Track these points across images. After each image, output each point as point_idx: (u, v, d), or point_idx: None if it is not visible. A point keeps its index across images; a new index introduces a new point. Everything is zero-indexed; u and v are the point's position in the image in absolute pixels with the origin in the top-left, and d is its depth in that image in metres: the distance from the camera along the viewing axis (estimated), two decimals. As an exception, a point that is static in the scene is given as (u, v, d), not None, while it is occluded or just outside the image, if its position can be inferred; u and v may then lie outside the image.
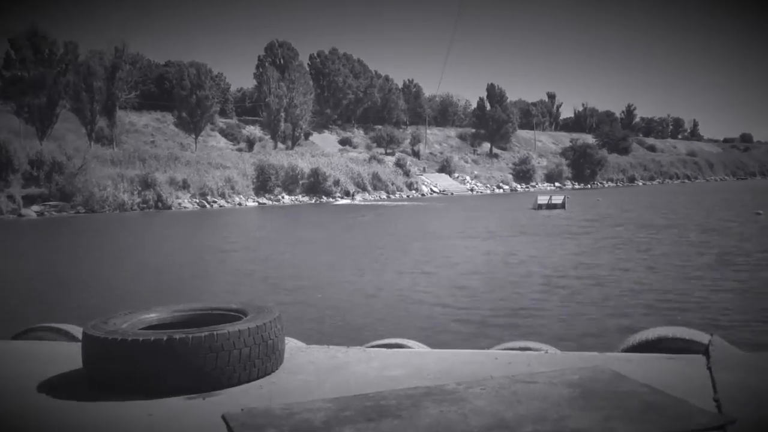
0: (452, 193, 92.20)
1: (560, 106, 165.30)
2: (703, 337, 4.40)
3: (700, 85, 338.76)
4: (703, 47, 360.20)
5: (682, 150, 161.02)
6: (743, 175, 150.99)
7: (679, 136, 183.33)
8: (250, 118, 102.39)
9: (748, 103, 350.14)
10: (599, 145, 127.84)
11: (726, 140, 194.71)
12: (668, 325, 5.05)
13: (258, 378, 4.02)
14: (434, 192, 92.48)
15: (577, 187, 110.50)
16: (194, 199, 65.33)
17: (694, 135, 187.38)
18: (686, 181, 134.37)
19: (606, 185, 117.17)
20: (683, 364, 3.97)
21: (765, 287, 14.10)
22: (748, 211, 36.86)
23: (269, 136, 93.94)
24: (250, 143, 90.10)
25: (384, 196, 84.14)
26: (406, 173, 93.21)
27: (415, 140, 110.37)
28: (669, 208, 46.33)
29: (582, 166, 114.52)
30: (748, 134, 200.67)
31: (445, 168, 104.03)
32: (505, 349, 4.79)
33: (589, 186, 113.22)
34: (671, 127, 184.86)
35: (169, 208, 60.65)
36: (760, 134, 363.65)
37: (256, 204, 70.22)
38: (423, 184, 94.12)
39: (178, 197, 63.59)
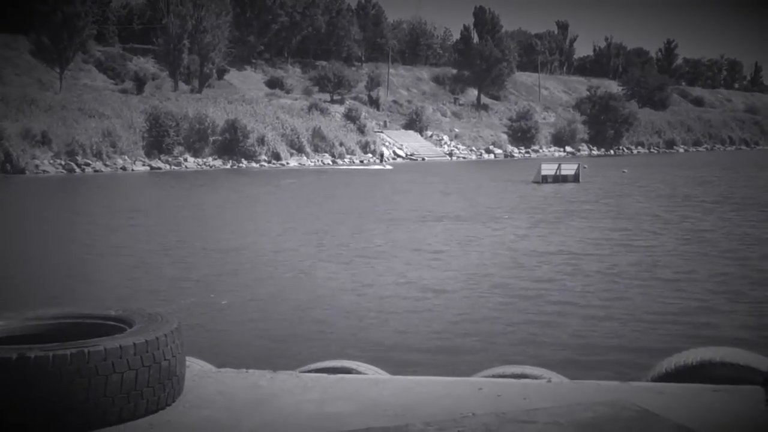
0: (424, 158, 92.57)
1: (575, 40, 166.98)
2: (761, 363, 4.48)
3: (765, 16, 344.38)
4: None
5: (740, 105, 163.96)
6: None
7: (736, 86, 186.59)
8: (139, 46, 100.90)
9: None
10: (627, 96, 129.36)
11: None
12: (715, 345, 5.15)
13: (147, 414, 3.98)
14: (398, 156, 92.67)
15: (595, 153, 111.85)
16: (58, 161, 64.39)
17: (756, 84, 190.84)
18: (743, 147, 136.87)
19: (635, 151, 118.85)
20: (734, 398, 4.05)
21: None
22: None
23: (167, 73, 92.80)
24: (140, 83, 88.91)
25: (329, 160, 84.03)
26: (361, 130, 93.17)
27: (374, 83, 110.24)
28: (729, 186, 47.26)
29: (603, 125, 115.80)
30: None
31: (415, 123, 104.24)
32: (493, 377, 4.84)
33: (611, 152, 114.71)
34: (725, 73, 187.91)
35: (22, 172, 59.69)
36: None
37: (148, 168, 69.48)
38: (383, 144, 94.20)
39: (34, 157, 62.63)
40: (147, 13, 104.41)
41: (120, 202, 39.78)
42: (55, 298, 14.94)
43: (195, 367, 4.95)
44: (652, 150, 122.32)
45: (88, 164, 65.68)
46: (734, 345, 5.50)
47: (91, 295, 15.40)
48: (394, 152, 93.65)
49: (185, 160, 73.57)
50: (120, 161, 68.28)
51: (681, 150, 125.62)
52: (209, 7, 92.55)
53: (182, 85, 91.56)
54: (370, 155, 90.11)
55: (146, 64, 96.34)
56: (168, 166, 71.38)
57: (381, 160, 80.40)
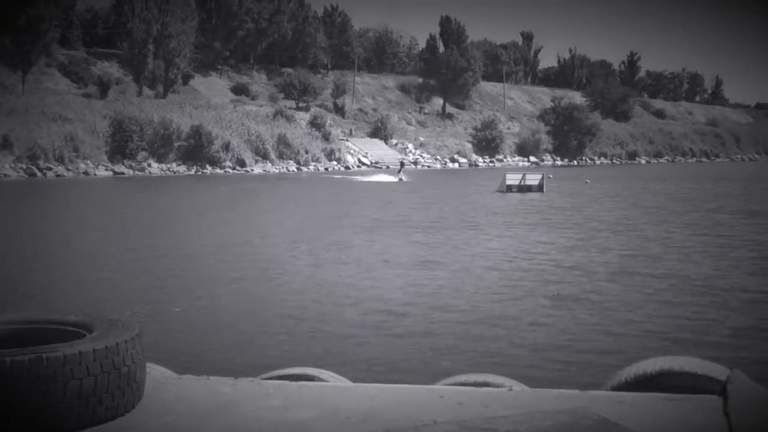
0: (388, 166, 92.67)
1: (539, 51, 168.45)
2: (719, 372, 4.52)
3: (726, 30, 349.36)
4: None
5: (701, 117, 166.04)
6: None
7: (697, 99, 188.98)
8: (103, 50, 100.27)
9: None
10: (590, 107, 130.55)
11: (759, 106, 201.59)
12: (674, 355, 5.19)
13: (106, 421, 3.95)
14: (363, 164, 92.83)
15: (559, 163, 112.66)
16: (19, 165, 63.87)
17: (717, 98, 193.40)
18: (704, 159, 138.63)
19: (598, 162, 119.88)
20: (692, 408, 4.08)
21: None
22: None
23: (131, 78, 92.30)
24: (104, 87, 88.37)
25: (293, 167, 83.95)
26: (326, 137, 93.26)
27: (339, 91, 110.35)
28: (694, 196, 47.75)
29: (567, 135, 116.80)
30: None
31: (380, 131, 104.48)
32: (454, 384, 4.84)
33: (575, 162, 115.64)
34: (686, 86, 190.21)
35: (-17, 175, 59.25)
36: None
37: (111, 173, 69.05)
38: (348, 152, 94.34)
39: (-5, 161, 62.27)
40: (112, 18, 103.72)
41: (73, 207, 39.41)
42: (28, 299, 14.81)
43: (156, 373, 4.91)
44: (614, 161, 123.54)
45: (50, 168, 65.20)
46: (693, 354, 5.54)
47: (39, 302, 15.24)
48: (359, 160, 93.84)
49: (149, 165, 73.21)
50: (83, 166, 67.81)
51: (643, 161, 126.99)
52: (174, 13, 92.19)
53: (147, 90, 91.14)
54: (335, 162, 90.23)
55: (110, 69, 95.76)
56: (131, 172, 70.99)
57: (400, 170, 66.10)
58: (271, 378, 5.03)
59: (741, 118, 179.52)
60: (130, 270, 19.43)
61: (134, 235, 26.98)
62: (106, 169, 69.66)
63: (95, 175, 67.29)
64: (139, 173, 71.06)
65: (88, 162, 68.71)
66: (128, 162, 72.24)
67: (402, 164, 66.83)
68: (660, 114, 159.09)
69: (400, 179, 61.04)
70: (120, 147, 72.28)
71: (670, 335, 12.05)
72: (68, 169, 66.47)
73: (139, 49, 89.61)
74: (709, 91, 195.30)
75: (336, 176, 73.47)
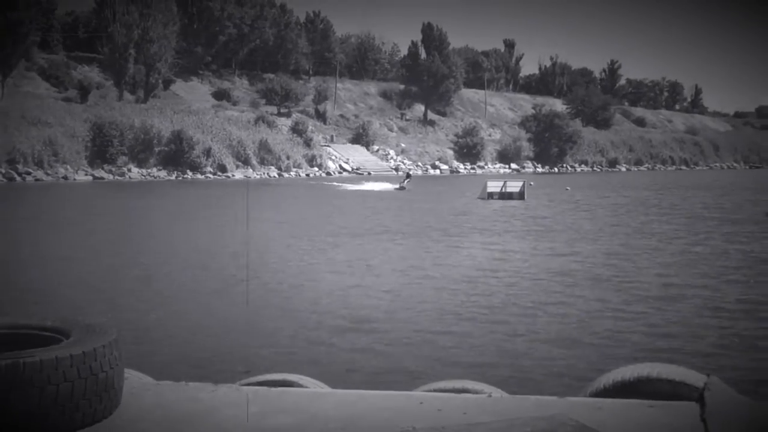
0: (369, 173, 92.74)
1: (521, 58, 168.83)
2: (697, 379, 4.55)
3: (706, 39, 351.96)
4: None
5: (680, 126, 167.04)
6: (758, 162, 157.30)
7: (677, 107, 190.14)
8: (84, 54, 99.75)
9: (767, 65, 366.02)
10: (571, 115, 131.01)
11: (737, 114, 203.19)
12: (653, 361, 5.21)
13: (83, 426, 3.93)
14: (345, 170, 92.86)
15: (540, 170, 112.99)
16: (-2, 168, 63.59)
17: (696, 106, 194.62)
18: (683, 167, 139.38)
19: (579, 169, 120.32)
20: (670, 414, 4.10)
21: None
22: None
23: (112, 82, 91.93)
24: (84, 91, 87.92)
25: (275, 173, 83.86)
26: (307, 143, 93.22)
27: (321, 97, 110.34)
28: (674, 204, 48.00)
29: (548, 142, 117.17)
30: (766, 107, 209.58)
31: (362, 138, 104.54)
32: (433, 391, 4.85)
33: (555, 169, 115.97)
34: (666, 94, 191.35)
35: (-39, 179, 58.90)
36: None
37: (91, 178, 68.74)
38: (330, 158, 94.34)
39: (-26, 165, 61.95)
40: (93, 22, 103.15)
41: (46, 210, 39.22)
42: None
43: (134, 379, 4.88)
44: (595, 168, 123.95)
45: (29, 173, 64.81)
46: (671, 361, 5.57)
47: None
48: (340, 166, 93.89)
49: (129, 170, 72.93)
50: (62, 170, 67.46)
51: (623, 169, 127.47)
52: (156, 17, 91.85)
53: (127, 95, 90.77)
54: (316, 168, 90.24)
55: (91, 73, 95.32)
56: (111, 176, 70.69)
57: (405, 179, 64.38)
58: (250, 384, 5.01)
59: (720, 126, 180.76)
60: (113, 278, 19.31)
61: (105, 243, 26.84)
62: (86, 174, 69.33)
63: (75, 179, 66.95)
64: (119, 178, 70.78)
65: (68, 167, 68.37)
66: (108, 167, 71.94)
67: (408, 175, 67.19)
68: (640, 122, 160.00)
69: (402, 187, 60.93)
70: (100, 152, 71.97)
71: (647, 343, 12.09)
72: (48, 174, 66.13)
73: (120, 53, 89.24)
74: (689, 99, 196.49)
75: (335, 184, 71.60)
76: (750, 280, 18.06)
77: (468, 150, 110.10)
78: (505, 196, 50.69)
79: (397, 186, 61.31)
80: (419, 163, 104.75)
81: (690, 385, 4.49)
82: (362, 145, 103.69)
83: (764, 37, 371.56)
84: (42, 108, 74.66)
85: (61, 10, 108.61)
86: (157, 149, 76.16)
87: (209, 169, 77.89)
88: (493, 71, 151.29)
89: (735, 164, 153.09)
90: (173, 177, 74.22)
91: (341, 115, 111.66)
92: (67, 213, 39.06)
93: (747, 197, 53.39)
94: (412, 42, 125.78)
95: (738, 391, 4.55)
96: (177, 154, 76.14)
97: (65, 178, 66.74)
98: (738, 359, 11.11)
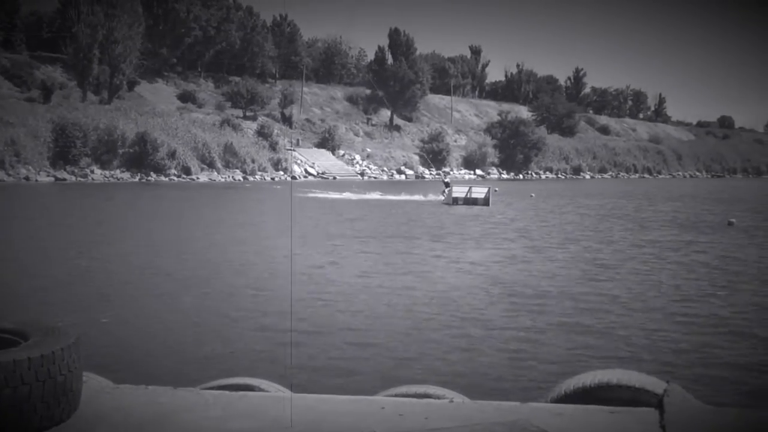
0: (335, 177, 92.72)
1: (487, 65, 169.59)
2: (657, 385, 4.59)
3: (669, 49, 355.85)
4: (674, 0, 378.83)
5: (644, 134, 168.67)
6: (720, 171, 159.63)
7: (641, 116, 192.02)
8: (47, 54, 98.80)
9: (730, 76, 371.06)
10: (537, 122, 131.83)
11: (700, 124, 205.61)
12: (613, 368, 5.24)
13: (42, 430, 3.89)
14: (310, 174, 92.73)
15: (505, 176, 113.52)
16: (-42, 169, 62.85)
17: (660, 115, 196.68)
18: (646, 175, 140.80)
19: (543, 176, 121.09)
20: (630, 420, 4.12)
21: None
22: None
23: (75, 83, 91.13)
24: (47, 92, 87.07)
25: (239, 176, 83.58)
26: (273, 147, 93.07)
27: (287, 101, 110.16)
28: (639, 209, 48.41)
29: (513, 149, 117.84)
30: (728, 117, 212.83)
31: (327, 142, 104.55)
32: (395, 396, 4.84)
33: (521, 176, 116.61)
34: (630, 103, 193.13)
35: None
36: (743, 119, 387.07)
37: (53, 180, 68.10)
38: (295, 162, 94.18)
39: (-67, 165, 61.20)
40: (57, 22, 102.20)
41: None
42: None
43: (92, 382, 4.84)
44: (559, 176, 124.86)
45: (-10, 173, 64.15)
46: (630, 368, 5.61)
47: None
48: (305, 170, 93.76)
49: (92, 172, 72.34)
50: (24, 171, 66.76)
51: (587, 176, 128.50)
52: (121, 18, 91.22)
53: (91, 96, 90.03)
54: (281, 172, 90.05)
55: (54, 73, 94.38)
56: (74, 178, 70.06)
57: (445, 188, 54.49)
58: (210, 388, 4.99)
59: (683, 135, 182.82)
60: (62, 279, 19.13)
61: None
62: (48, 175, 68.67)
63: (36, 180, 66.27)
64: (82, 180, 70.16)
65: (30, 167, 67.67)
66: (71, 168, 71.30)
67: (447, 184, 55.60)
68: (604, 130, 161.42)
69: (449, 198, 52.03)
70: (62, 153, 71.30)
71: (607, 351, 12.18)
72: (9, 175, 65.43)
73: (84, 53, 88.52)
74: (652, 108, 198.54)
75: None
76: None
77: (434, 155, 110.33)
78: (470, 201, 50.80)
79: (442, 197, 53.46)
80: (385, 168, 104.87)
81: (650, 391, 4.52)
82: (328, 149, 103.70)
83: (726, 48, 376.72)
84: (4, 108, 73.90)
85: (25, 10, 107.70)
86: (121, 151, 75.60)
87: (173, 171, 77.43)
88: (460, 77, 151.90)
89: (697, 173, 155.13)
90: (137, 179, 73.71)
91: (307, 119, 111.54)
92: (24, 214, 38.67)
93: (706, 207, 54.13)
94: (379, 47, 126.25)
95: (698, 398, 4.60)
96: (141, 156, 75.64)
97: (27, 179, 66.06)
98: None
